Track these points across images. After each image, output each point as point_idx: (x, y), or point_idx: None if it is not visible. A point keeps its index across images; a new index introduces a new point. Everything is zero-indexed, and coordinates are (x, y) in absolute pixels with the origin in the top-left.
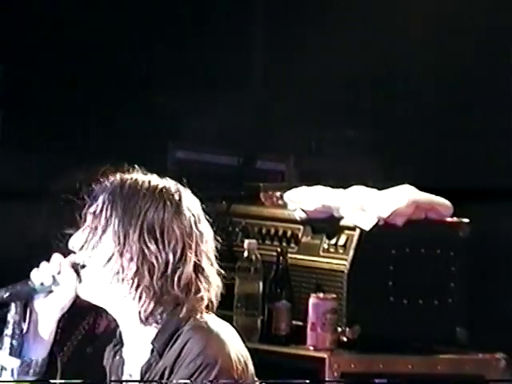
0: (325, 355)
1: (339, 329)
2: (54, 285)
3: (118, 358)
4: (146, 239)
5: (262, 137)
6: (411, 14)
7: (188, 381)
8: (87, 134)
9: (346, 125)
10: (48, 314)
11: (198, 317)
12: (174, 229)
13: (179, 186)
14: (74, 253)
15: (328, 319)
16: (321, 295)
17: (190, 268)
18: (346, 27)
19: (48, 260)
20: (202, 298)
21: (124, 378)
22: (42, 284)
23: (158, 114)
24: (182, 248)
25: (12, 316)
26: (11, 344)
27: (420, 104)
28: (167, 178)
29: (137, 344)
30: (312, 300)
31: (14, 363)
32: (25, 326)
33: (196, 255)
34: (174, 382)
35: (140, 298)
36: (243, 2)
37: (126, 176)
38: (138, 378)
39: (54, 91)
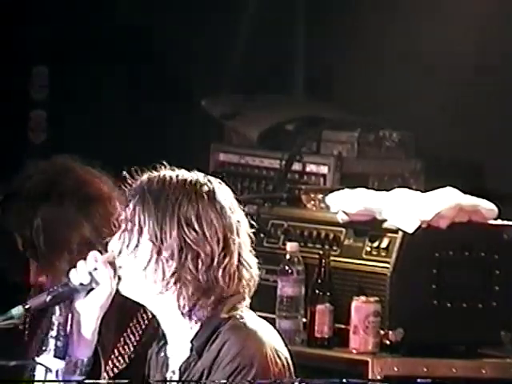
0: (368, 358)
1: (382, 332)
2: (93, 282)
3: (162, 354)
4: (186, 231)
5: (304, 139)
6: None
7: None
8: (131, 137)
9: (389, 127)
10: (89, 312)
11: (238, 316)
12: (212, 219)
13: (209, 177)
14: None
15: (371, 322)
16: (363, 298)
17: (234, 258)
18: (384, 28)
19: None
20: (243, 297)
21: (168, 375)
22: (81, 283)
23: (202, 117)
24: (224, 238)
25: (57, 318)
26: (56, 345)
27: (464, 107)
28: (195, 171)
29: (179, 341)
30: (355, 303)
31: (59, 364)
32: (69, 328)
33: (234, 243)
34: (206, 381)
35: (181, 293)
36: (285, 7)
37: (153, 174)
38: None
39: (99, 92)
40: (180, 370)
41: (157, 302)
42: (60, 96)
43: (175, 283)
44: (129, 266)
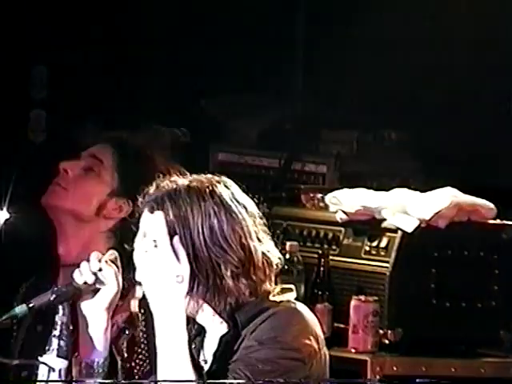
0: (367, 358)
1: (381, 331)
2: (98, 282)
3: (194, 346)
4: (209, 241)
5: (303, 139)
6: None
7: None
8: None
9: (388, 126)
10: (97, 313)
11: (287, 301)
12: (234, 227)
13: (212, 178)
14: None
15: (370, 322)
16: (362, 297)
17: (259, 256)
18: (384, 27)
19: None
20: (270, 278)
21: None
22: (85, 283)
23: (200, 116)
24: (244, 243)
25: (60, 317)
26: (59, 345)
27: (463, 105)
28: (202, 175)
29: (212, 330)
30: (353, 302)
31: (62, 364)
32: (75, 328)
33: (251, 238)
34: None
35: (216, 299)
36: (284, 5)
37: (163, 183)
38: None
39: (99, 93)
40: (221, 341)
41: (197, 313)
42: (60, 96)
43: (209, 292)
44: (154, 282)
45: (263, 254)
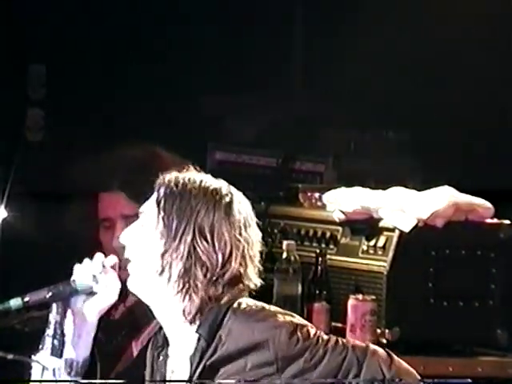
0: None
1: (378, 330)
2: (96, 285)
3: (161, 358)
4: (198, 239)
5: (300, 138)
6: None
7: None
8: (129, 136)
9: (385, 125)
10: (88, 316)
11: (239, 301)
12: (224, 232)
13: (231, 188)
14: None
15: (367, 321)
16: (360, 297)
17: (235, 269)
18: (383, 27)
19: (91, 258)
20: (243, 290)
21: (167, 375)
22: (83, 284)
23: (198, 115)
24: (230, 252)
25: (54, 316)
26: (52, 344)
27: (460, 105)
28: (220, 180)
29: (181, 340)
30: (351, 301)
31: (56, 363)
32: (66, 328)
33: (243, 257)
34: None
35: (185, 297)
36: (282, 2)
37: (179, 175)
38: (184, 372)
39: (97, 92)
40: (191, 361)
41: (163, 305)
42: (57, 95)
43: (181, 288)
44: (138, 260)
45: (240, 273)
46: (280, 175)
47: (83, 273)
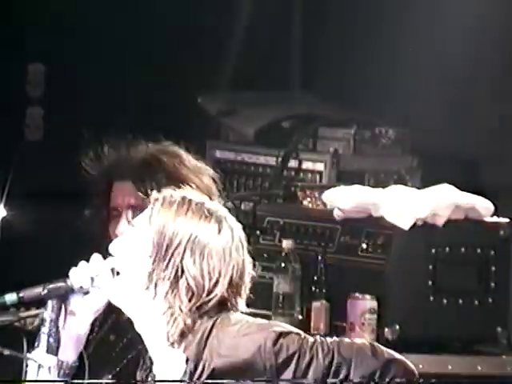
0: None
1: (378, 328)
2: (92, 286)
3: (150, 379)
4: (186, 262)
5: (300, 137)
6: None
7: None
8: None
9: (385, 125)
10: (83, 316)
11: (224, 317)
12: (213, 256)
13: (226, 212)
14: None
15: (367, 319)
16: (359, 295)
17: (221, 296)
18: (380, 27)
19: (87, 260)
20: (228, 311)
21: None
22: (79, 284)
23: (198, 114)
24: (217, 277)
25: (49, 314)
26: (48, 342)
27: (459, 104)
28: (216, 201)
29: (167, 362)
30: (350, 300)
31: (51, 361)
32: (61, 326)
33: (230, 285)
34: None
35: (170, 320)
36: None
37: (175, 193)
38: None
39: (97, 91)
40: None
41: (147, 323)
42: (56, 93)
43: (166, 310)
44: (125, 274)
45: (226, 299)
46: (279, 174)
47: (80, 272)
